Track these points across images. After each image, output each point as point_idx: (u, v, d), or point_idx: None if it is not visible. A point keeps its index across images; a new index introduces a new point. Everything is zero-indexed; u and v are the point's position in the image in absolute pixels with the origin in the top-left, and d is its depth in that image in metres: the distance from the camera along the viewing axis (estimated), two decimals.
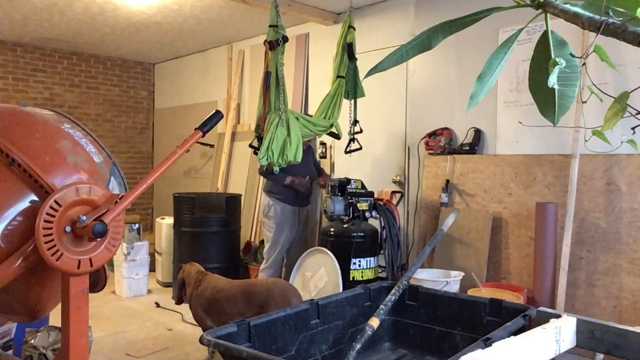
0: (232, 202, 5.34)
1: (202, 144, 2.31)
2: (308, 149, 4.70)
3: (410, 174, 4.74)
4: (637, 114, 1.33)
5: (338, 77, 4.26)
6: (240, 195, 5.62)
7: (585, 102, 1.82)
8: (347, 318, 2.65)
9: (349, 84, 4.31)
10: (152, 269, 5.69)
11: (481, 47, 4.16)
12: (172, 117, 7.76)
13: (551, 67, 1.18)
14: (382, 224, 4.15)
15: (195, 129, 2.17)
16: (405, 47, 1.45)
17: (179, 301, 3.70)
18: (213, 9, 5.30)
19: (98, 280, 1.98)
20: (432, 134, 4.46)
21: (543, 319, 2.14)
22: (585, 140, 3.05)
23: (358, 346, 2.17)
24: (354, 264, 3.90)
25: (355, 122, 4.47)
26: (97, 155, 2.00)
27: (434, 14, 4.56)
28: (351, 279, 3.88)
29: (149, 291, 5.47)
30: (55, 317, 2.30)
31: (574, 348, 2.11)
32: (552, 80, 1.18)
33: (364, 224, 4.06)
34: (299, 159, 3.77)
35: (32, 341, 2.94)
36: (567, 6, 1.22)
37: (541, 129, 3.65)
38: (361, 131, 4.48)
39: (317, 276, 4.00)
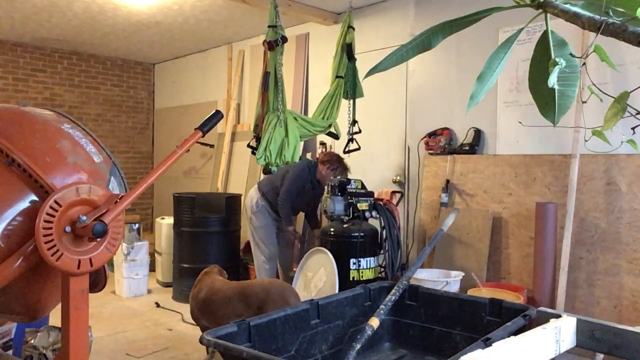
0: (232, 202, 5.34)
1: (202, 144, 2.31)
2: (316, 186, 4.66)
3: (410, 174, 4.73)
4: (637, 114, 1.33)
5: (337, 77, 4.26)
6: (240, 195, 5.62)
7: (585, 102, 1.82)
8: (347, 318, 2.65)
9: (348, 84, 4.31)
10: (152, 269, 5.69)
11: (481, 47, 4.16)
12: (172, 117, 7.76)
13: (551, 67, 1.18)
14: (382, 224, 4.15)
15: (195, 129, 2.17)
16: (405, 47, 1.45)
17: None
18: (213, 9, 5.30)
19: (98, 280, 1.98)
20: (432, 134, 4.46)
21: (543, 319, 2.14)
22: (585, 140, 3.05)
23: (358, 346, 2.17)
24: (354, 264, 3.90)
25: (354, 122, 4.47)
26: (97, 155, 2.00)
27: (434, 14, 4.56)
28: (351, 279, 3.87)
29: (149, 291, 5.47)
30: (55, 317, 2.30)
31: (574, 348, 2.11)
32: (552, 80, 1.18)
33: (364, 224, 4.06)
34: (297, 159, 3.79)
35: (32, 341, 2.94)
36: (567, 6, 1.22)
37: (541, 129, 3.65)
38: (360, 131, 4.48)
39: (317, 276, 4.00)
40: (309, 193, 4.65)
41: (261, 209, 4.64)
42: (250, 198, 4.73)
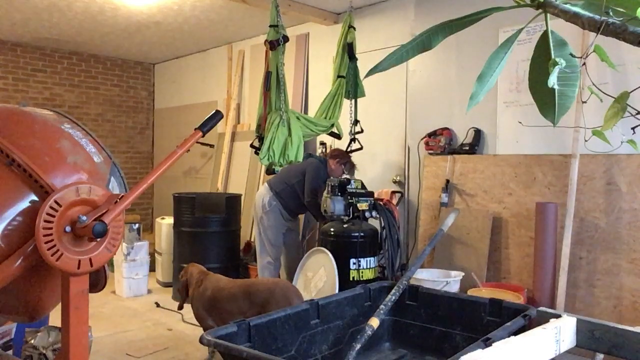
0: (232, 202, 5.34)
1: (202, 144, 2.32)
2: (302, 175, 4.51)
3: (410, 174, 4.73)
4: (637, 114, 1.33)
5: (338, 77, 4.28)
6: (240, 195, 5.62)
7: (585, 102, 1.83)
8: (347, 318, 2.65)
9: (349, 83, 4.32)
10: (152, 269, 5.69)
11: (481, 47, 4.16)
12: (172, 117, 7.76)
13: (551, 67, 1.18)
14: (382, 224, 4.15)
15: (195, 129, 2.17)
16: (405, 47, 1.45)
17: (182, 306, 3.66)
18: (213, 9, 5.30)
19: (98, 280, 1.98)
20: (432, 134, 4.46)
21: (543, 319, 2.14)
22: (585, 140, 3.05)
23: (358, 346, 2.17)
24: (354, 264, 3.90)
25: (356, 122, 4.48)
26: (97, 155, 2.00)
27: (434, 14, 4.56)
28: (351, 279, 3.87)
29: (149, 291, 5.47)
30: (55, 317, 2.30)
31: (574, 348, 2.11)
32: (552, 80, 1.18)
33: (364, 224, 4.06)
34: (300, 158, 3.80)
35: (32, 341, 2.94)
36: (567, 6, 1.22)
37: (541, 129, 3.65)
38: (362, 131, 4.49)
39: (317, 276, 4.00)
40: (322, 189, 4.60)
41: (273, 209, 4.53)
42: (262, 197, 4.59)
